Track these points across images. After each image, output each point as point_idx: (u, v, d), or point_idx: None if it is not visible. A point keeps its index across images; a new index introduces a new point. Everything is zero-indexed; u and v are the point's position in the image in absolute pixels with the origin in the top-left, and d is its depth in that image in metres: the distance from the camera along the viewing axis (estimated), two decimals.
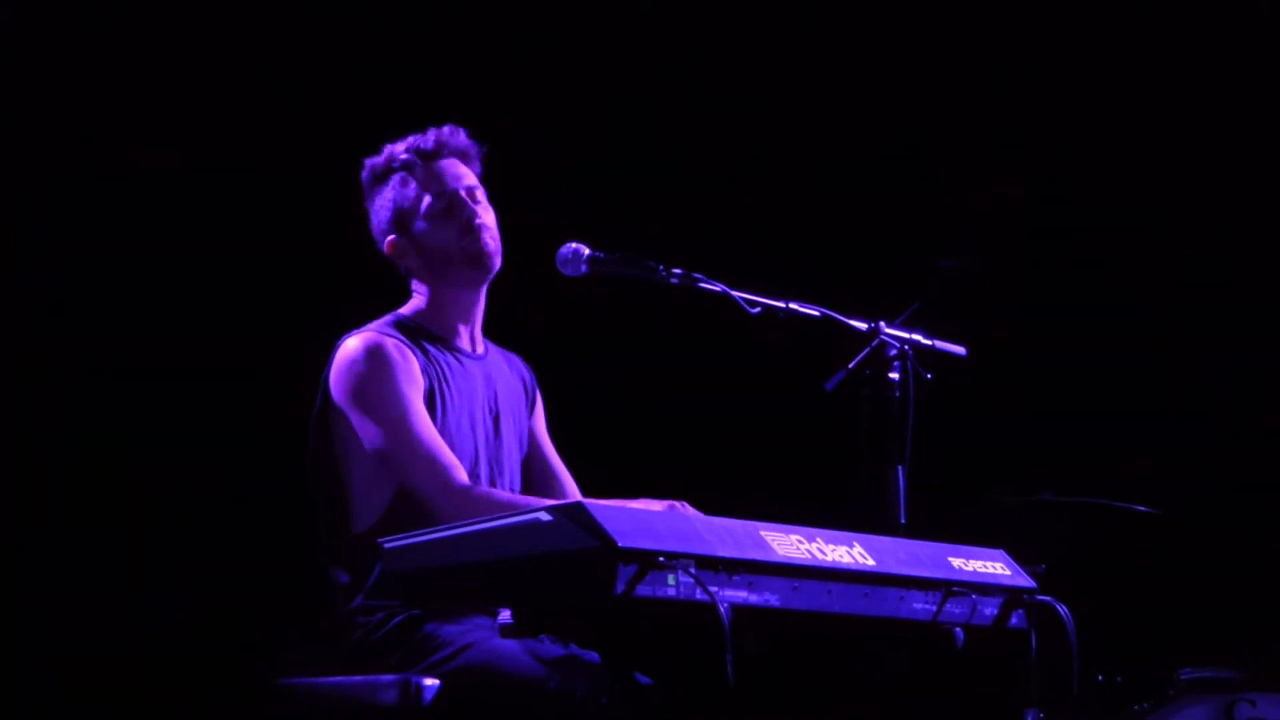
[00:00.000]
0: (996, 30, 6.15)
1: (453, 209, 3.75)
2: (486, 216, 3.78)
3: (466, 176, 3.80)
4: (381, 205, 3.80)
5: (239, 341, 5.43)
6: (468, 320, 3.81)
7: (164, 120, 5.46)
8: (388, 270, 3.89)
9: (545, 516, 2.89)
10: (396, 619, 3.48)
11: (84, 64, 5.40)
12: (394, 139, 3.85)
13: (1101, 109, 6.18)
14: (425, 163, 3.78)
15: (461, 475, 3.51)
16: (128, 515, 5.38)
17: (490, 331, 3.88)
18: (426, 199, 3.76)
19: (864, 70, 6.16)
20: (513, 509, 3.24)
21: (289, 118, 5.55)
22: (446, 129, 3.81)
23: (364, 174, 3.83)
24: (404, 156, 3.78)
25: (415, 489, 3.51)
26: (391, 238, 3.78)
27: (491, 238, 3.76)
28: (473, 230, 3.74)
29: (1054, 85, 6.19)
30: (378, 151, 3.84)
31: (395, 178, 3.78)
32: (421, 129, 3.84)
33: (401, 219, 3.77)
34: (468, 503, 3.44)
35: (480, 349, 3.83)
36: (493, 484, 3.73)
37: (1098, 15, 6.14)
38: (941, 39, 6.18)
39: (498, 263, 3.78)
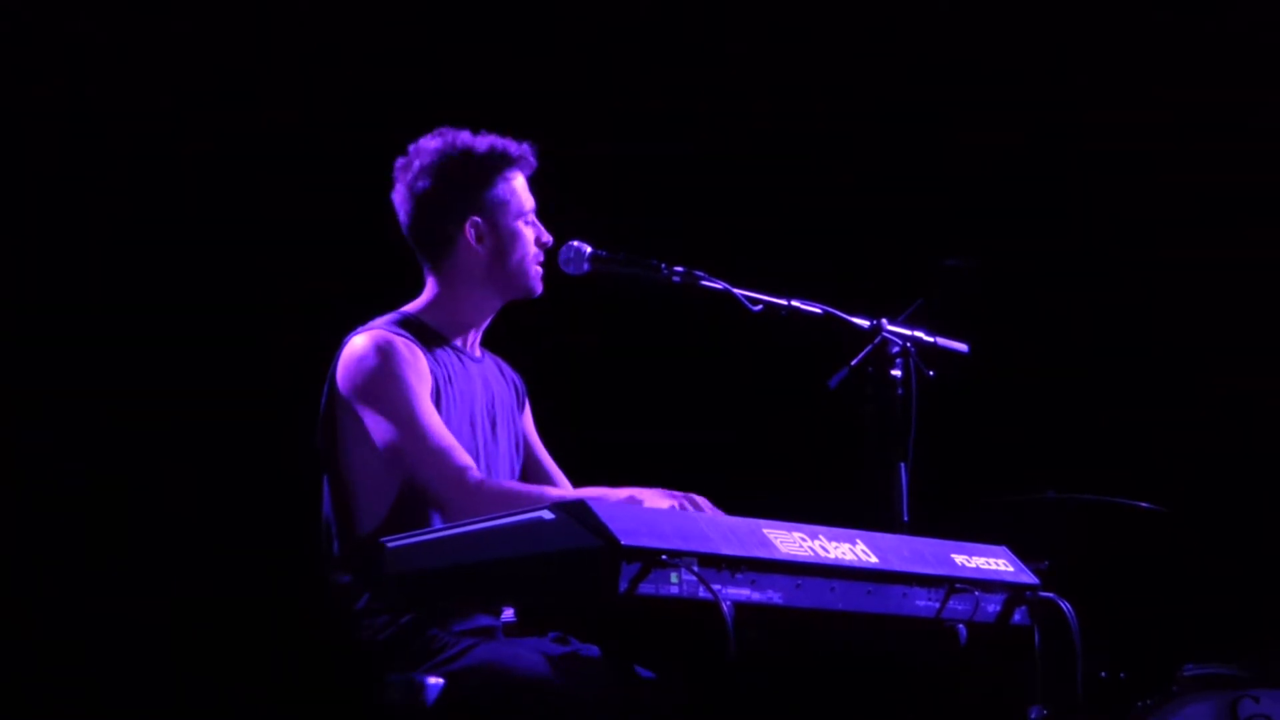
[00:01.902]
0: (1002, 28, 6.15)
1: (536, 227, 3.82)
2: None
3: None
4: (470, 184, 3.77)
5: (246, 339, 5.44)
6: (479, 323, 3.82)
7: (168, 113, 5.47)
8: (397, 263, 3.89)
9: (548, 515, 2.89)
10: (401, 619, 3.49)
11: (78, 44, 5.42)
12: (398, 137, 3.84)
13: (1103, 109, 6.18)
14: (525, 175, 3.83)
15: (475, 471, 3.51)
16: (125, 514, 5.39)
17: (491, 328, 3.89)
18: (527, 205, 3.80)
19: (867, 67, 6.16)
20: (526, 499, 3.27)
21: (293, 116, 5.56)
22: (527, 146, 3.83)
23: (454, 144, 3.79)
24: (516, 155, 3.79)
25: (427, 484, 3.50)
26: (479, 219, 3.77)
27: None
28: (540, 254, 3.81)
29: (1056, 84, 6.19)
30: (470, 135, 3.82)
31: (503, 170, 3.78)
32: (428, 124, 3.84)
33: (492, 209, 3.77)
34: (482, 497, 3.43)
35: (478, 353, 3.84)
36: None
37: (1105, 14, 6.13)
38: (947, 37, 6.18)
39: (540, 291, 3.83)
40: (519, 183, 3.80)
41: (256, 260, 5.50)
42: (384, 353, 3.59)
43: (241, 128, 5.52)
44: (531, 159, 3.83)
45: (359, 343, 3.63)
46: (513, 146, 3.80)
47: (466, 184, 3.77)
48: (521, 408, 3.95)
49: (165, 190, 5.50)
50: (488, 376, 3.83)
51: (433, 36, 5.78)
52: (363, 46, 5.69)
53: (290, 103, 5.58)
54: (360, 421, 3.57)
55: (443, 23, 5.78)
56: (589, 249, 3.66)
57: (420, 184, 3.77)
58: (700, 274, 3.68)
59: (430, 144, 3.79)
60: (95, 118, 5.43)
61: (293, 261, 5.45)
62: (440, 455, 3.50)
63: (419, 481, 3.51)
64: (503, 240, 3.77)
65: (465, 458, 3.52)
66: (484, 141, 3.79)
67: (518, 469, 3.86)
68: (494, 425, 3.79)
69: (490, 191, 3.77)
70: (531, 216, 3.81)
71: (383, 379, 3.57)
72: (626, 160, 5.90)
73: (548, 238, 3.81)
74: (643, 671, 3.40)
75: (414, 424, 3.53)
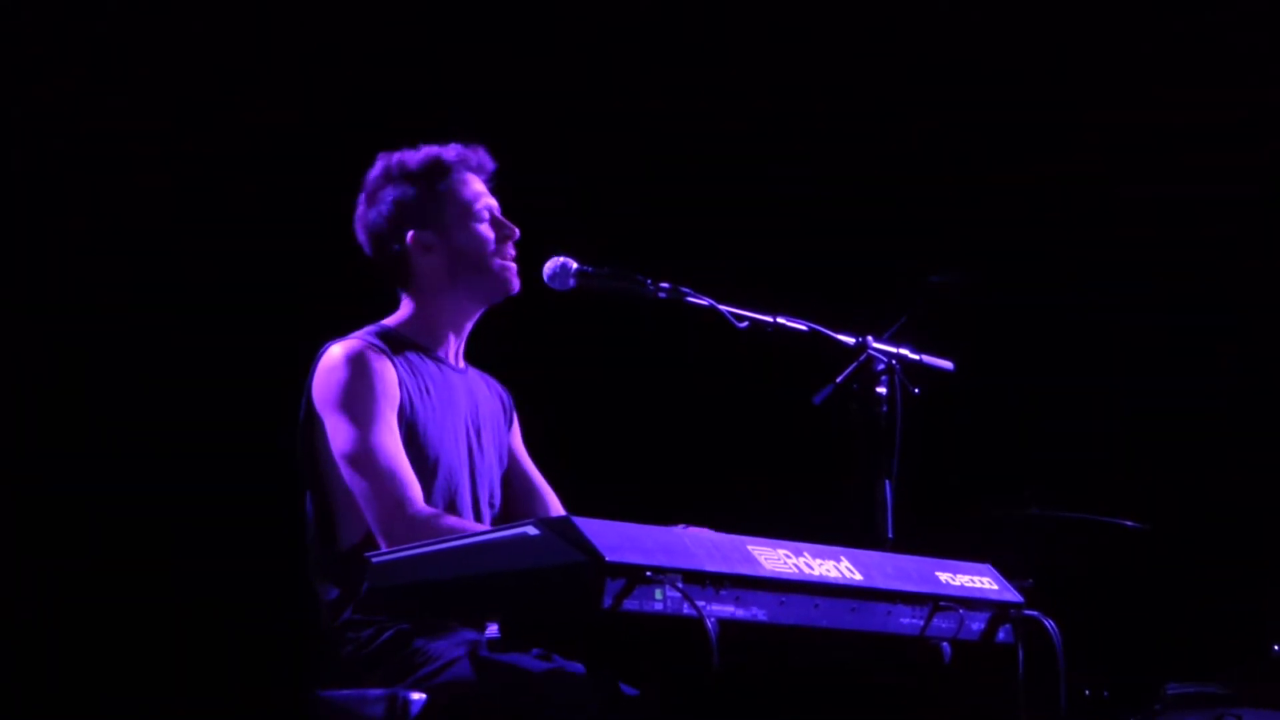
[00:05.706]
0: (990, 46, 6.16)
1: (496, 222, 3.80)
2: None
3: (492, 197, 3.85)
4: (407, 199, 3.77)
5: (238, 348, 5.44)
6: (459, 333, 3.81)
7: (168, 113, 5.48)
8: (373, 277, 3.89)
9: (533, 531, 2.89)
10: (385, 634, 3.48)
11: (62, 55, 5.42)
12: (386, 146, 3.84)
13: (1095, 123, 6.19)
14: (470, 173, 3.80)
15: (417, 502, 3.49)
16: (111, 522, 5.39)
17: (477, 343, 3.88)
18: (473, 205, 3.78)
19: (854, 85, 6.17)
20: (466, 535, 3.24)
21: (277, 123, 5.56)
22: (482, 150, 3.83)
23: (389, 166, 3.79)
24: (454, 159, 3.78)
25: (366, 507, 3.48)
26: (416, 231, 3.76)
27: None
28: (509, 248, 3.79)
29: (1047, 96, 6.20)
30: (398, 149, 3.82)
31: (439, 177, 3.77)
32: (410, 134, 3.84)
33: (434, 216, 3.76)
34: (417, 529, 3.39)
35: (462, 364, 3.84)
36: (474, 495, 3.72)
37: (1092, 32, 6.14)
38: (934, 55, 6.19)
39: (517, 287, 3.80)
40: (465, 186, 3.78)
41: (254, 260, 5.50)
42: (354, 366, 3.58)
43: (241, 127, 5.52)
44: (480, 160, 3.81)
45: (334, 353, 3.62)
46: (449, 152, 3.79)
47: (406, 200, 3.77)
48: (509, 422, 3.93)
49: (164, 190, 5.50)
50: (472, 388, 3.82)
51: (433, 36, 5.78)
52: (362, 46, 5.68)
53: (290, 103, 5.58)
54: (326, 433, 3.57)
55: (442, 23, 5.78)
56: (575, 265, 3.64)
57: (368, 214, 3.80)
58: (686, 290, 3.67)
59: (371, 173, 3.81)
60: (92, 117, 5.43)
61: (291, 261, 5.45)
62: (384, 480, 3.47)
63: (360, 503, 3.50)
64: (453, 244, 3.76)
65: (411, 487, 3.49)
66: (420, 154, 3.79)
67: (500, 479, 3.85)
68: (478, 435, 3.78)
69: (431, 201, 3.76)
70: (486, 215, 3.78)
71: (348, 393, 3.56)
72: (613, 177, 5.90)
73: (514, 230, 3.79)
74: (626, 688, 3.39)
75: (366, 443, 3.51)
